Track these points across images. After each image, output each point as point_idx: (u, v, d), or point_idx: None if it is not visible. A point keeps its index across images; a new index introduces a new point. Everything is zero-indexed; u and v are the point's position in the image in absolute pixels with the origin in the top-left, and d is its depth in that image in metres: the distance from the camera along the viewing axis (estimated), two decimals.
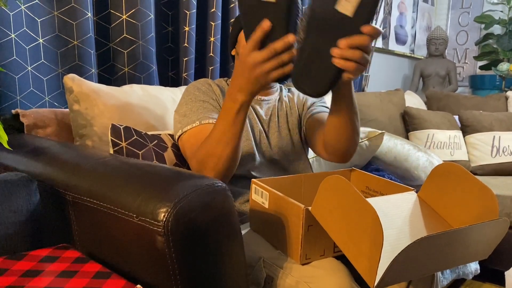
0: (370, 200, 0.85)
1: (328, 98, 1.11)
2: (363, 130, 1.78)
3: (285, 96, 1.29)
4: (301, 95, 1.31)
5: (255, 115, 1.22)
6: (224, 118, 0.92)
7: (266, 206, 0.94)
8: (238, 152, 0.98)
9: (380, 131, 1.75)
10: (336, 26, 0.78)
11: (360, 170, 1.14)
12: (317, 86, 0.83)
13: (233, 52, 1.24)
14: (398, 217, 0.88)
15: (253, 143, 1.18)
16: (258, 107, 1.23)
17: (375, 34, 0.77)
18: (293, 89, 1.33)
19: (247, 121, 1.20)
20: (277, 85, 1.30)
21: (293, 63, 0.82)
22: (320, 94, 0.84)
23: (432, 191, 0.92)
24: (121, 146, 1.09)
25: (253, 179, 0.98)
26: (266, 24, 0.79)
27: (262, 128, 1.21)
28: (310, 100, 1.29)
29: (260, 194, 0.96)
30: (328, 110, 1.23)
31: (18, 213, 0.78)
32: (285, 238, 0.89)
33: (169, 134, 1.26)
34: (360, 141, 1.71)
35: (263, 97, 1.25)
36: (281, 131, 1.24)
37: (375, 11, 0.77)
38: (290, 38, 0.79)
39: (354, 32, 0.77)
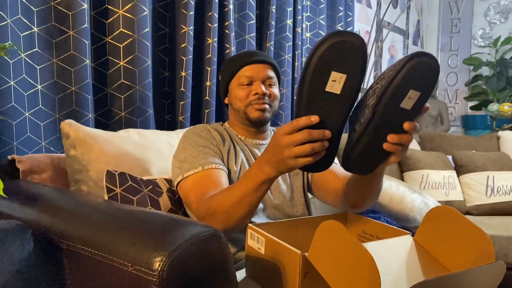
0: (366, 245, 0.84)
1: None
2: None
3: None
4: None
5: (253, 160, 1.23)
6: (247, 183, 0.92)
7: (262, 252, 0.93)
8: (252, 216, 0.98)
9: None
10: (396, 120, 0.82)
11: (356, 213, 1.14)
12: (367, 169, 0.90)
13: (226, 101, 1.29)
14: (395, 262, 0.87)
15: None
16: (257, 151, 1.25)
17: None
18: None
19: (246, 163, 1.21)
20: (269, 128, 1.33)
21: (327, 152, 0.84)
22: (367, 174, 0.91)
23: (427, 234, 0.93)
24: (115, 192, 1.09)
25: (249, 224, 0.98)
26: (314, 119, 0.79)
27: None
28: None
29: (256, 240, 0.95)
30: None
31: (11, 262, 0.77)
32: (282, 285, 0.88)
33: (165, 179, 1.26)
34: None
35: (261, 141, 1.27)
36: (281, 176, 1.25)
37: (426, 102, 0.83)
38: (327, 133, 0.81)
39: (408, 121, 0.82)
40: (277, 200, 1.21)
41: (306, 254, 0.81)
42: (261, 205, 1.19)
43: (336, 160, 1.26)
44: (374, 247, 0.86)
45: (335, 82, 0.79)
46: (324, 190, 1.23)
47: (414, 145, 3.00)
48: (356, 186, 1.07)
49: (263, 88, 1.18)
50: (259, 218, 1.18)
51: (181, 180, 1.11)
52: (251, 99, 1.19)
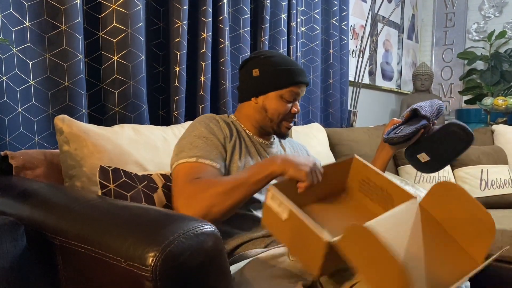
0: (379, 220, 0.84)
1: None
2: (334, 162, 1.81)
3: (281, 144, 1.38)
4: (293, 149, 1.41)
5: (259, 157, 1.25)
6: (252, 170, 1.01)
7: (283, 218, 0.89)
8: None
9: (351, 156, 1.78)
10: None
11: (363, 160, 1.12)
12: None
13: (255, 101, 1.25)
14: (405, 234, 0.89)
15: None
16: (263, 151, 1.28)
17: None
18: (284, 142, 1.40)
19: (250, 160, 1.23)
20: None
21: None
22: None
23: (433, 203, 0.96)
24: (109, 188, 1.09)
25: (272, 184, 0.95)
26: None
27: None
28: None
29: (277, 204, 0.91)
30: None
31: (4, 258, 0.77)
32: (302, 254, 0.88)
33: (161, 174, 1.26)
34: None
35: (267, 142, 1.30)
36: None
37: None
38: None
39: None
40: None
41: (332, 241, 0.78)
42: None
43: None
44: (386, 220, 0.86)
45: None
46: None
47: None
48: None
49: (299, 108, 1.26)
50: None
51: (176, 165, 1.10)
52: (288, 116, 1.25)
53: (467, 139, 1.28)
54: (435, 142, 1.31)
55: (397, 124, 1.39)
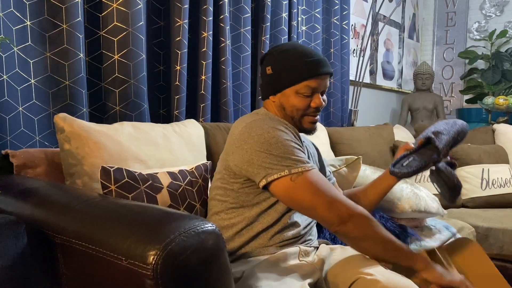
0: None
1: None
2: (341, 158, 1.81)
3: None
4: (313, 154, 1.34)
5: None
6: (403, 254, 1.04)
7: None
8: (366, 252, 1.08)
9: (356, 157, 1.78)
10: None
11: None
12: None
13: (273, 99, 1.19)
14: None
15: None
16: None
17: None
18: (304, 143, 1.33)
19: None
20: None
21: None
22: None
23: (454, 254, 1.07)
24: (110, 189, 1.08)
25: None
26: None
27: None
28: (326, 167, 1.39)
29: None
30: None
31: (4, 257, 0.77)
32: None
33: (168, 172, 1.25)
34: (338, 168, 1.74)
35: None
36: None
37: None
38: None
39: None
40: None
41: None
42: None
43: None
44: None
45: None
46: None
47: (409, 138, 3.01)
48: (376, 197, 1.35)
49: (322, 100, 1.16)
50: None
51: (289, 175, 1.03)
52: (309, 111, 1.16)
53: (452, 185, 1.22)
54: (441, 177, 1.24)
55: (408, 152, 1.28)
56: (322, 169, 1.33)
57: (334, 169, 1.71)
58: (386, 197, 1.78)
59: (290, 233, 1.13)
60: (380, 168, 2.01)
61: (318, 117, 1.20)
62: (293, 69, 1.13)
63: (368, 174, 1.86)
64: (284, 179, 1.03)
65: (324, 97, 1.18)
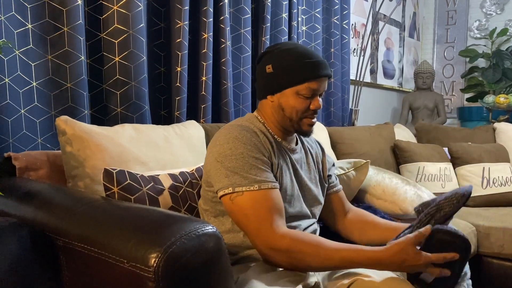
0: None
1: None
2: (349, 161, 1.81)
3: (303, 147, 1.30)
4: (315, 155, 1.32)
5: (291, 168, 1.19)
6: (363, 259, 0.95)
7: None
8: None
9: (365, 161, 1.78)
10: None
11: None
12: None
13: (271, 99, 1.16)
14: None
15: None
16: (292, 157, 1.21)
17: None
18: (306, 144, 1.32)
19: (288, 172, 1.18)
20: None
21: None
22: None
23: None
24: (113, 191, 1.09)
25: None
26: (445, 272, 0.94)
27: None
28: (330, 170, 1.36)
29: None
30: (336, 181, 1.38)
31: (7, 259, 0.78)
32: None
33: (169, 174, 1.26)
34: (347, 171, 1.74)
35: (293, 146, 1.23)
36: (312, 175, 1.27)
37: None
38: (446, 271, 0.94)
39: None
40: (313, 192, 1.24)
41: None
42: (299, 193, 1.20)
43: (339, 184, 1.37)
44: None
45: None
46: (333, 215, 1.33)
47: (410, 137, 3.01)
48: (377, 238, 1.23)
49: (320, 102, 1.15)
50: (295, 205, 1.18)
51: (232, 193, 1.02)
52: (308, 113, 1.15)
53: (464, 246, 0.96)
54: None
55: (407, 228, 1.11)
56: (324, 170, 1.32)
57: (342, 171, 1.71)
58: (391, 200, 1.79)
59: None
60: (382, 169, 2.01)
61: (315, 119, 1.18)
62: (295, 69, 1.11)
63: (371, 174, 1.86)
64: (227, 196, 1.03)
65: (321, 99, 1.17)
